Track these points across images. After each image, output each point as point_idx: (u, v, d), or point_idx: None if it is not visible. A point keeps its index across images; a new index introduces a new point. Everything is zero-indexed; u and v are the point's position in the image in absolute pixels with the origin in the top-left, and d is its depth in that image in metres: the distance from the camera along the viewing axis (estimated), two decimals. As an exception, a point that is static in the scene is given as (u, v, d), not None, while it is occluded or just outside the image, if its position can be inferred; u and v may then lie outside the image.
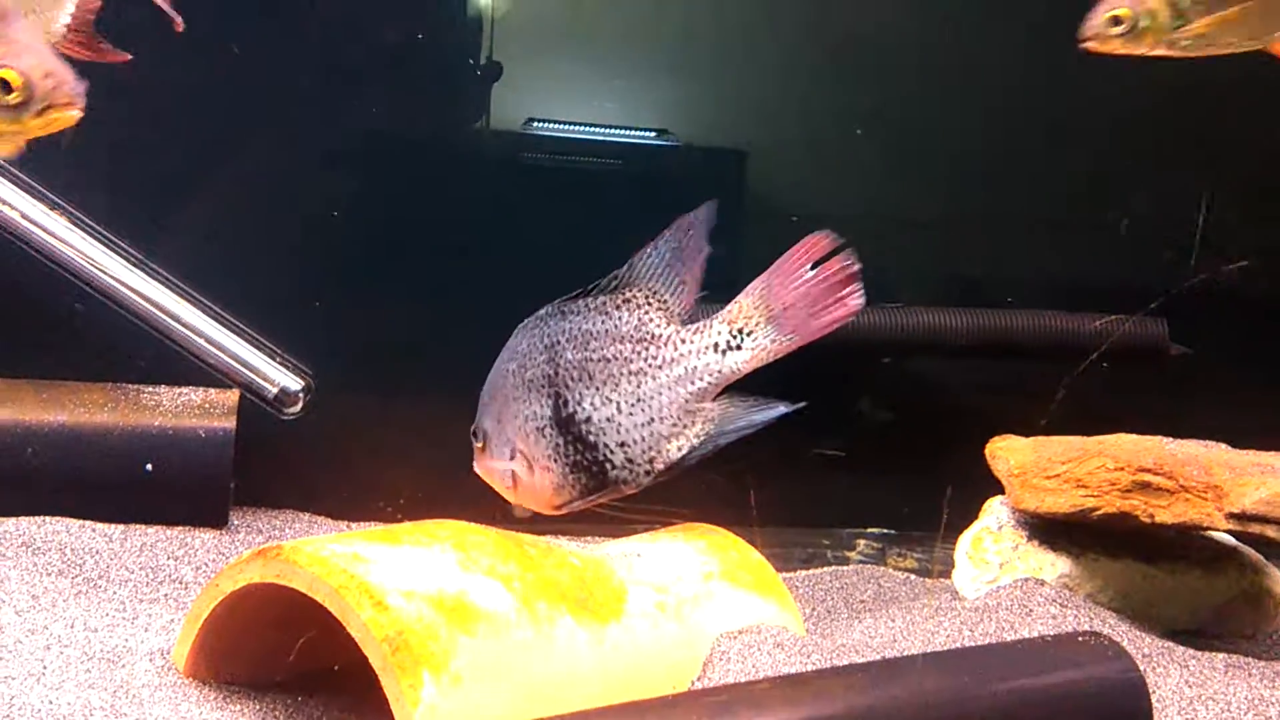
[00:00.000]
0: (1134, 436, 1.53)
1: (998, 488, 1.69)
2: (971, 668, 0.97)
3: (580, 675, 1.24)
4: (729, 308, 1.17)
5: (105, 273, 1.64)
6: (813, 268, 1.19)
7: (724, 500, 1.74)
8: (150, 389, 1.67)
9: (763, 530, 1.61)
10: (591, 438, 1.17)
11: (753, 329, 1.16)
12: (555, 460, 1.19)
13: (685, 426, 1.18)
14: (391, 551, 1.25)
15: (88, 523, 1.51)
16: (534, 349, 1.18)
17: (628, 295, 1.17)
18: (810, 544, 1.91)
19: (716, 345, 1.15)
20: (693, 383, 1.17)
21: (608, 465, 1.18)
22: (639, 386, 1.16)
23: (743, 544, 1.56)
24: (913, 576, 1.83)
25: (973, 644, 1.34)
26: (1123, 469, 1.44)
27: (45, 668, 1.14)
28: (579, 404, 1.16)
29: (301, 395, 1.74)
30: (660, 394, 1.16)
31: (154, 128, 1.76)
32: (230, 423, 1.64)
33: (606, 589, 1.35)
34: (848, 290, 1.18)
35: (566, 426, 1.17)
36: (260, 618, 1.28)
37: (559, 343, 1.17)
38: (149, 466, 1.58)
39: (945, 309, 1.98)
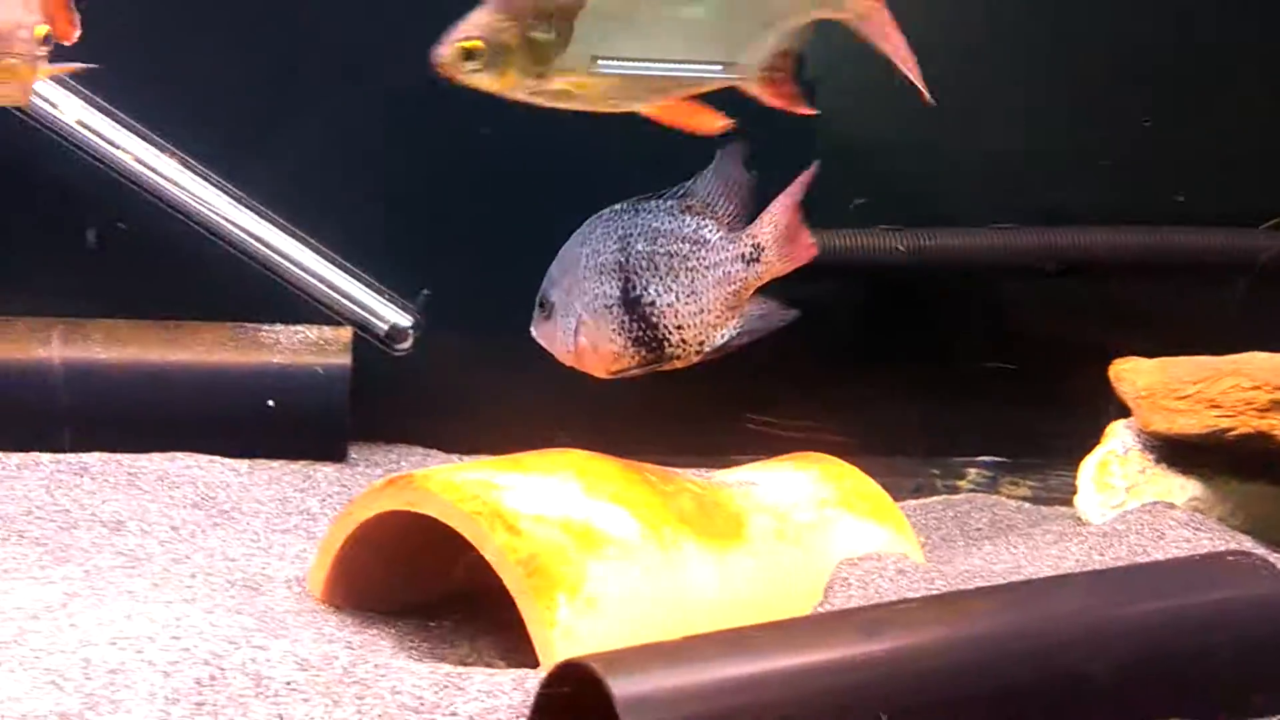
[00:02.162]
0: (1269, 355, 1.47)
1: (1113, 414, 1.66)
2: (1120, 587, 0.95)
3: (706, 598, 1.25)
4: (753, 225, 1.36)
5: (221, 215, 1.67)
6: None
7: (835, 427, 1.74)
8: (268, 327, 1.70)
9: (870, 459, 1.60)
10: (653, 319, 1.35)
11: (765, 246, 1.35)
12: (619, 334, 1.36)
13: (726, 319, 1.36)
14: (520, 479, 1.26)
15: (216, 458, 1.56)
16: (608, 237, 1.36)
17: (690, 203, 1.36)
18: (918, 473, 1.89)
19: (744, 255, 1.35)
20: (730, 284, 1.35)
21: (665, 343, 1.36)
22: (693, 281, 1.35)
23: (857, 472, 1.55)
24: (1027, 504, 1.81)
25: (1105, 567, 1.31)
26: (1259, 387, 1.39)
27: (195, 594, 1.18)
28: (645, 289, 1.35)
29: (411, 332, 1.76)
30: (709, 290, 1.35)
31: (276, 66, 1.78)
32: (346, 359, 1.67)
33: (727, 515, 1.35)
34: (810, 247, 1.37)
35: (632, 307, 1.35)
36: (389, 545, 1.31)
37: (631, 234, 1.35)
38: (270, 403, 1.62)
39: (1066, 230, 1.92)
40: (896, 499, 1.77)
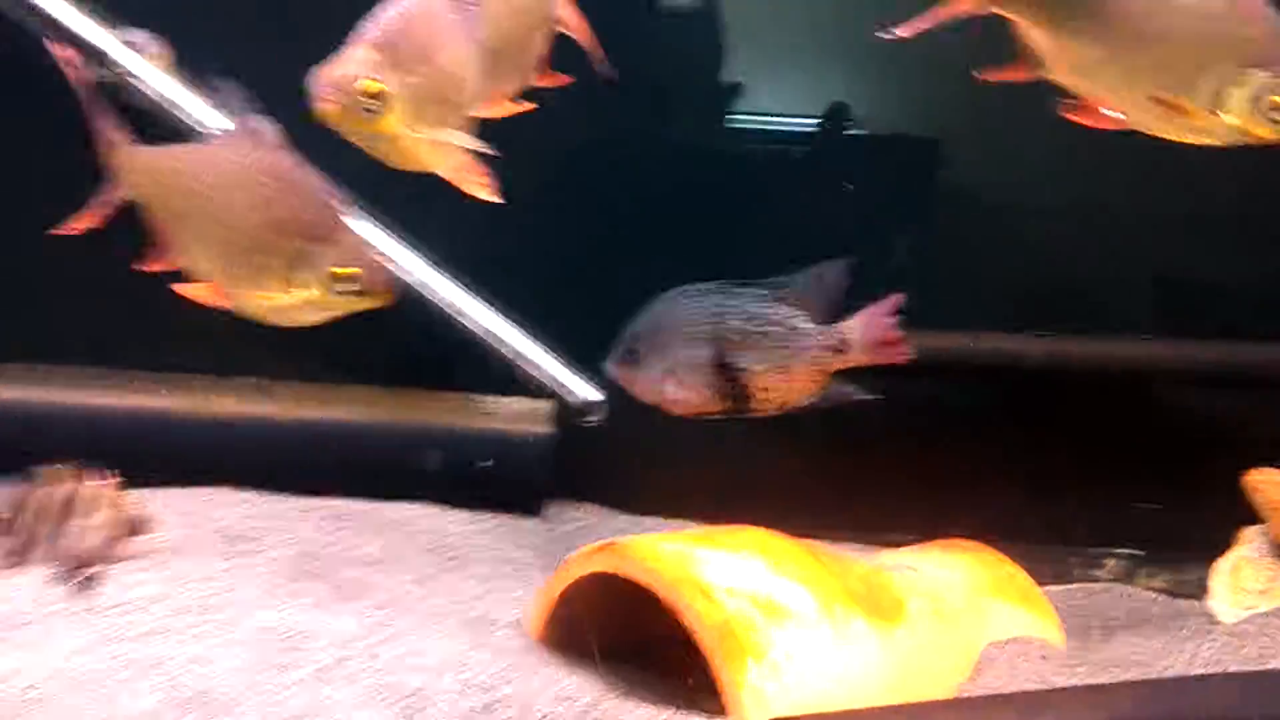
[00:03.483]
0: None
1: (1247, 515, 1.77)
2: (1264, 690, 1.07)
3: (872, 671, 1.43)
4: (845, 323, 1.63)
5: (454, 302, 1.97)
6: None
7: (986, 519, 1.90)
8: (490, 398, 1.99)
9: (1013, 546, 1.76)
10: (743, 380, 1.61)
11: (851, 342, 1.61)
12: (707, 388, 1.62)
13: (808, 391, 1.63)
14: (713, 553, 1.47)
15: (445, 508, 1.84)
16: (702, 311, 1.62)
17: (783, 294, 1.62)
18: (1061, 561, 2.03)
19: (832, 347, 1.61)
20: (816, 365, 1.62)
21: (750, 400, 1.62)
22: (783, 358, 1.61)
23: (1004, 559, 1.71)
24: (1162, 597, 1.93)
25: (1237, 669, 1.44)
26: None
27: (443, 630, 1.43)
28: (737, 359, 1.60)
29: (601, 406, 2.01)
30: (797, 367, 1.61)
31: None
32: (549, 429, 1.93)
33: (890, 596, 1.54)
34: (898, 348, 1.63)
35: (723, 370, 1.61)
36: (596, 599, 1.54)
37: (726, 311, 1.61)
38: (487, 463, 1.89)
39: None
40: (1039, 584, 1.93)
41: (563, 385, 2.02)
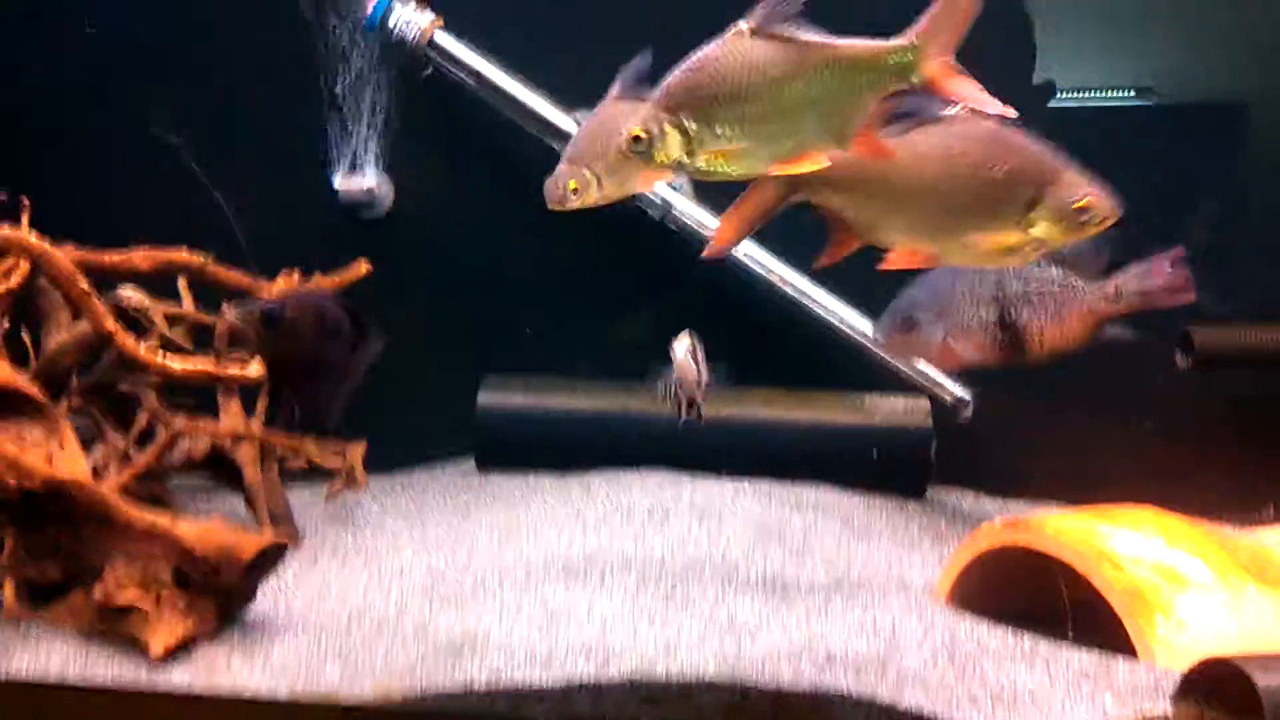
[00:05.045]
0: None
1: None
2: None
3: (1264, 632, 1.65)
4: (1120, 276, 1.87)
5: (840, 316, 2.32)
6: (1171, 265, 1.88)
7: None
8: (872, 395, 2.31)
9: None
10: (1023, 333, 1.89)
11: (1126, 291, 1.86)
12: (989, 344, 1.89)
13: (1082, 338, 1.89)
14: (1114, 529, 1.72)
15: (848, 491, 2.19)
16: (984, 280, 1.89)
17: (1058, 259, 1.86)
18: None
19: (1106, 297, 1.86)
20: (1091, 314, 1.87)
21: (1027, 350, 1.89)
22: (1059, 310, 1.87)
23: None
24: None
25: None
26: None
27: (877, 599, 1.76)
28: (1018, 314, 1.88)
29: (971, 401, 2.30)
30: (1071, 319, 1.88)
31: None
32: (929, 423, 2.25)
33: (1276, 565, 1.74)
34: (1184, 290, 1.87)
35: (1006, 326, 1.88)
36: (993, 572, 1.83)
37: (1005, 277, 1.88)
38: (876, 453, 2.23)
39: None
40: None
41: (943, 387, 2.32)
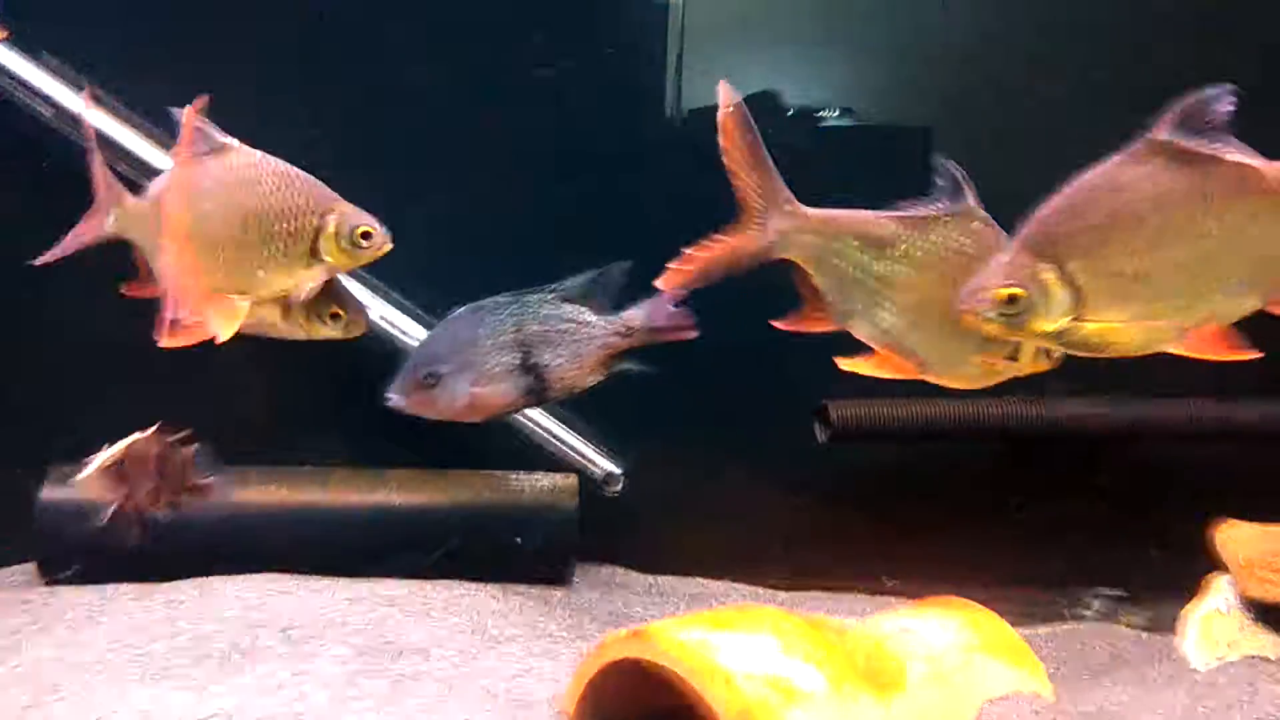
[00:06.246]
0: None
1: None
2: None
3: (877, 741, 1.60)
4: (628, 312, 1.90)
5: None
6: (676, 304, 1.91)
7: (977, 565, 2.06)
8: (514, 474, 2.13)
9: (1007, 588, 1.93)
10: (545, 376, 1.87)
11: (635, 327, 1.88)
12: (513, 390, 1.87)
13: (597, 374, 1.91)
14: (728, 637, 1.63)
15: (483, 586, 2.00)
16: (503, 323, 1.86)
17: (568, 296, 1.88)
18: (1052, 601, 2.20)
19: (619, 332, 1.88)
20: (605, 350, 1.88)
21: (549, 392, 1.89)
22: (576, 349, 1.86)
23: (994, 617, 1.87)
24: (1144, 635, 2.09)
25: (1204, 716, 1.61)
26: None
27: (491, 711, 1.59)
28: (540, 356, 1.86)
29: (620, 478, 2.17)
30: (588, 355, 1.87)
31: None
32: (574, 503, 2.09)
33: (891, 664, 1.70)
34: (686, 327, 1.90)
35: (529, 369, 1.86)
36: (625, 680, 1.71)
37: (524, 318, 1.86)
38: (519, 539, 2.05)
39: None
40: (1030, 624, 2.09)
41: (590, 461, 2.18)
